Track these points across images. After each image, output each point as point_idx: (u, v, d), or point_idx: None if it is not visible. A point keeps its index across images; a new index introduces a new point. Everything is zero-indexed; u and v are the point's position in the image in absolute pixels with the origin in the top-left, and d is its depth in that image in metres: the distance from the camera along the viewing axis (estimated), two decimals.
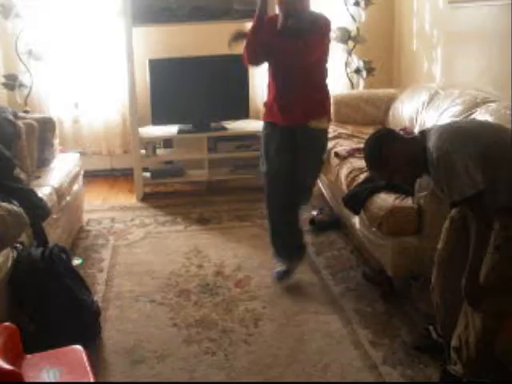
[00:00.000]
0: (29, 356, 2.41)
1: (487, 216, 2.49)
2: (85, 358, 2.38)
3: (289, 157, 3.74)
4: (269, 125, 3.82)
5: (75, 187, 4.66)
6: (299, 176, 3.77)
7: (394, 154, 2.67)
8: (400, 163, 2.68)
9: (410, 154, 2.67)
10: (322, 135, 3.84)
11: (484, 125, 2.89)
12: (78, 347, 2.45)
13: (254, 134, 5.31)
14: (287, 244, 3.92)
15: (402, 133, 4.59)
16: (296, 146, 3.74)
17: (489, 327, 2.58)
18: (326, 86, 3.86)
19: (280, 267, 3.91)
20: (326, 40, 3.73)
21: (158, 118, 5.59)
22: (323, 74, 3.83)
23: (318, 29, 3.64)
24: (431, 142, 2.57)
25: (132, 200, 5.52)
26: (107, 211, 5.25)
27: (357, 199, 3.78)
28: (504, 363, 2.69)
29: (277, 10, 3.79)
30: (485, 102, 4.00)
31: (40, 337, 2.87)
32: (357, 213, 3.84)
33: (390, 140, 2.74)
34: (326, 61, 3.80)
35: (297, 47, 3.57)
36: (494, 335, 2.60)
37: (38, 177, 4.23)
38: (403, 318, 3.39)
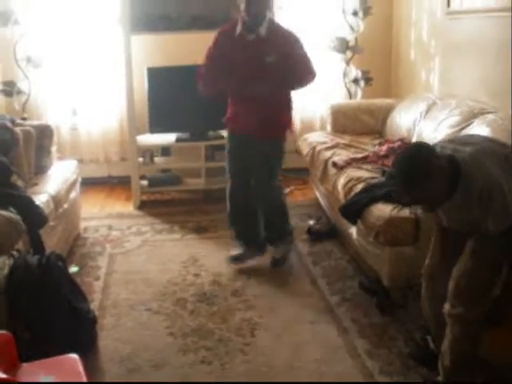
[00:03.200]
0: (24, 364, 2.40)
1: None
2: (80, 367, 2.37)
3: (247, 162, 4.07)
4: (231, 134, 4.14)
5: (72, 195, 4.66)
6: (258, 180, 4.09)
7: (432, 174, 2.41)
8: (434, 185, 2.43)
9: (446, 176, 2.44)
10: (278, 145, 4.09)
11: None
12: (74, 356, 2.44)
13: None
14: (246, 231, 4.27)
15: (399, 143, 4.65)
16: (252, 152, 4.03)
17: (455, 335, 2.63)
18: (289, 102, 4.09)
19: (234, 251, 4.25)
20: (287, 49, 3.86)
21: (156, 126, 5.60)
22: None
23: (279, 37, 3.86)
24: (474, 169, 2.42)
25: (129, 208, 5.52)
26: (104, 219, 5.24)
27: (354, 209, 3.77)
28: (495, 367, 2.72)
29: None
30: (482, 112, 4.01)
31: (35, 345, 2.86)
32: (354, 223, 3.84)
33: (430, 156, 2.44)
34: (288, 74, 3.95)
35: (257, 48, 3.80)
36: (463, 343, 2.62)
37: (36, 184, 4.22)
38: (400, 328, 3.39)
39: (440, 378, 2.75)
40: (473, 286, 2.58)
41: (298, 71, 3.93)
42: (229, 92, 4.06)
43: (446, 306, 2.68)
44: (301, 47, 3.94)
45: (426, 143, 2.65)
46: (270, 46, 3.81)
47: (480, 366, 2.78)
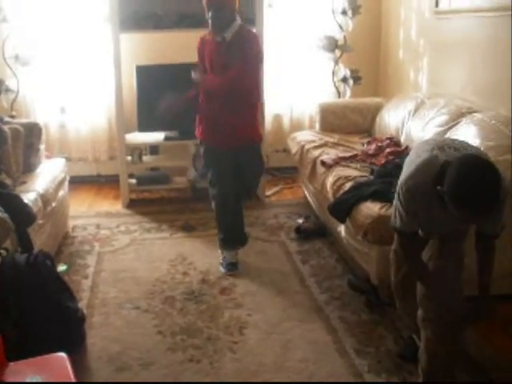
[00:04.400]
0: (12, 363, 2.39)
1: None
2: (68, 366, 2.36)
3: (232, 170, 4.09)
4: (210, 148, 4.12)
5: (61, 193, 4.64)
6: (246, 186, 4.24)
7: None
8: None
9: None
10: (259, 149, 4.24)
11: None
12: (62, 354, 2.43)
13: None
14: (234, 235, 4.23)
15: (388, 142, 4.66)
16: (238, 161, 4.10)
17: (428, 336, 2.67)
18: (258, 105, 4.23)
19: (226, 260, 4.17)
20: (255, 51, 3.97)
21: (145, 125, 5.58)
22: (258, 93, 4.18)
23: (241, 39, 3.93)
24: None
25: (117, 206, 5.51)
26: (92, 217, 5.23)
27: (342, 207, 3.78)
28: (480, 364, 2.75)
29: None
30: (470, 111, 4.04)
31: (23, 344, 2.85)
32: (342, 221, 3.84)
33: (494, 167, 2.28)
34: (258, 80, 4.15)
35: (224, 50, 3.90)
36: (437, 343, 2.66)
37: (24, 182, 4.20)
38: (388, 326, 3.40)
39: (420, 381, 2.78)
40: (442, 287, 2.60)
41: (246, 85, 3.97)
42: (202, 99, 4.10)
43: (419, 312, 2.71)
44: (251, 48, 3.97)
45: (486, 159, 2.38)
46: (234, 49, 3.89)
47: (467, 364, 2.82)
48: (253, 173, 4.24)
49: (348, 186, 3.97)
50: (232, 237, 4.22)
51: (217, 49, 3.94)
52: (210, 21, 3.88)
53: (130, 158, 5.56)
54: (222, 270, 4.14)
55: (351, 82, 5.95)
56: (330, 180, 4.22)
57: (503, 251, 2.69)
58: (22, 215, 3.60)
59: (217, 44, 3.94)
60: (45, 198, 4.13)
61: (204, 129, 4.12)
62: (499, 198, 2.22)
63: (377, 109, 5.40)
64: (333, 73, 6.04)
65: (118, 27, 5.17)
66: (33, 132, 4.59)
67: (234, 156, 4.07)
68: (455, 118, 4.06)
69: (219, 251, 4.25)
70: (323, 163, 4.50)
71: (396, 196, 2.61)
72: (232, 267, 4.13)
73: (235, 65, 3.85)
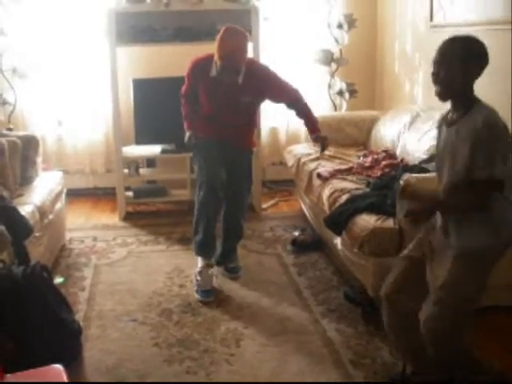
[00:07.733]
0: (8, 375, 2.39)
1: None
2: (65, 378, 2.35)
3: (222, 168, 4.11)
4: (204, 140, 4.16)
5: (58, 205, 4.65)
6: (234, 190, 4.20)
7: (471, 64, 2.76)
8: (464, 76, 2.74)
9: (470, 86, 2.80)
10: (250, 156, 4.36)
11: None
12: (59, 366, 2.43)
13: None
14: (212, 242, 4.16)
15: (384, 154, 4.68)
16: (228, 162, 4.14)
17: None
18: (256, 120, 4.45)
19: (200, 287, 3.98)
20: (263, 88, 4.07)
21: (142, 138, 5.60)
22: (256, 111, 4.34)
23: (255, 80, 3.98)
24: (488, 109, 2.64)
25: (114, 219, 5.52)
26: (89, 230, 5.23)
27: (339, 220, 3.79)
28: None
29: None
30: None
31: (20, 356, 2.85)
32: (338, 233, 3.86)
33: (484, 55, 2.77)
34: (260, 102, 4.30)
35: (233, 90, 3.94)
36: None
37: (21, 195, 4.21)
38: (384, 338, 3.39)
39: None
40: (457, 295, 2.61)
41: (284, 97, 4.17)
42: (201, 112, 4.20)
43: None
44: (274, 78, 4.11)
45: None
46: (245, 89, 3.95)
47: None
48: (241, 175, 4.22)
49: (344, 198, 3.99)
50: (207, 241, 4.12)
51: (227, 88, 3.93)
52: (224, 73, 3.82)
53: (126, 170, 5.57)
54: (196, 296, 3.94)
55: (347, 95, 5.99)
56: (326, 192, 4.24)
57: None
58: (19, 227, 3.60)
59: (227, 84, 3.90)
60: (42, 211, 4.14)
61: (201, 124, 4.19)
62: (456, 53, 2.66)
63: (372, 122, 5.43)
64: (329, 86, 6.07)
65: (114, 40, 5.20)
66: (30, 145, 4.60)
67: (225, 152, 4.10)
68: None
69: (194, 274, 4.14)
70: (319, 176, 4.52)
71: None
72: (207, 294, 3.94)
73: (247, 101, 4.04)
